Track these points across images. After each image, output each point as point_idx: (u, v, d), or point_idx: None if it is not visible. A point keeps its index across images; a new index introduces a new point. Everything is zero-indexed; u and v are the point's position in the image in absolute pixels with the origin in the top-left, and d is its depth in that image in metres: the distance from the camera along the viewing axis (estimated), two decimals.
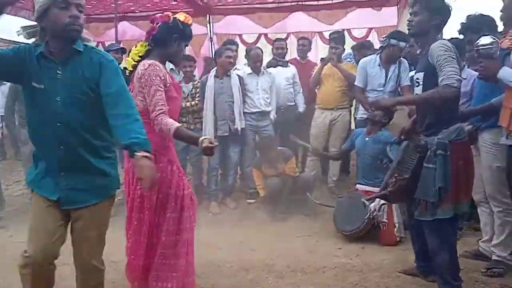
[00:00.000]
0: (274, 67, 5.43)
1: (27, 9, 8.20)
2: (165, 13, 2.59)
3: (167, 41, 2.54)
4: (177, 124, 2.39)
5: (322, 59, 5.14)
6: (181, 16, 2.56)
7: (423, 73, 2.65)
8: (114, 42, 5.93)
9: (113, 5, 6.39)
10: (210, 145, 2.32)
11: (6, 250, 3.76)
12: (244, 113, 5.04)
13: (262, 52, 5.34)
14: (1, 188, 5.05)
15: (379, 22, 7.32)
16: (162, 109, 2.38)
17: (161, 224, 2.51)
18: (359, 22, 7.44)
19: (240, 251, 3.68)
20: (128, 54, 2.70)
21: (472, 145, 3.01)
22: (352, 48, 5.69)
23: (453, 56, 2.46)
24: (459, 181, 2.51)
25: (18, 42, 11.43)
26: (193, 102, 4.93)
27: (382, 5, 7.27)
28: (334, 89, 5.10)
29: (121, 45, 5.69)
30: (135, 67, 2.54)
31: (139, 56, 2.55)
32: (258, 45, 7.49)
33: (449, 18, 2.67)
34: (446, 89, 2.41)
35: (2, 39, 12.51)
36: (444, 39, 2.63)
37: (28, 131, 2.11)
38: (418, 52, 4.86)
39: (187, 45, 2.81)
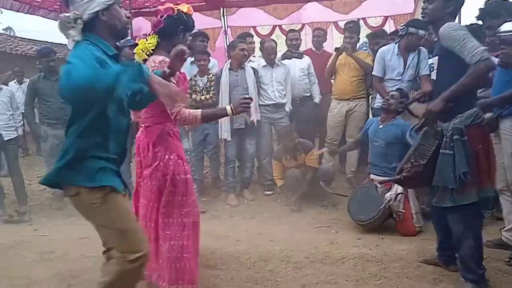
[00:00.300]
0: (289, 58, 5.40)
1: (44, 8, 8.34)
2: (168, 5, 2.61)
3: (173, 33, 2.59)
4: (199, 111, 2.55)
5: (336, 49, 5.09)
6: (184, 8, 2.61)
7: (437, 57, 2.64)
8: (129, 38, 5.96)
9: (128, 1, 6.42)
10: (241, 102, 2.53)
11: (32, 244, 3.84)
12: (259, 105, 5.04)
13: (276, 44, 5.32)
14: (24, 184, 5.17)
15: (395, 9, 7.21)
16: (182, 105, 2.49)
17: (162, 207, 2.57)
18: (374, 10, 7.34)
19: (259, 242, 3.69)
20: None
21: (492, 133, 2.96)
22: (366, 37, 5.62)
23: (466, 32, 2.43)
24: (481, 165, 2.48)
25: (39, 41, 11.67)
26: (207, 96, 4.95)
27: None
28: (349, 79, 5.05)
29: (136, 41, 5.72)
30: (145, 60, 2.58)
31: (152, 49, 2.59)
32: (272, 36, 7.49)
33: (462, 4, 2.66)
34: (479, 65, 2.36)
35: (22, 38, 12.77)
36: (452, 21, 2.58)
37: (101, 126, 1.94)
38: (435, 39, 4.80)
39: (191, 36, 2.83)
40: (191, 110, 2.53)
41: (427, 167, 2.56)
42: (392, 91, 4.17)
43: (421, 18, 4.75)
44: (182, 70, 2.58)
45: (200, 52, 5.05)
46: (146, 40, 2.60)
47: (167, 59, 2.45)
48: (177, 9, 2.58)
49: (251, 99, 2.64)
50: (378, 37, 5.32)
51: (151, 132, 2.59)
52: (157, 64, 2.46)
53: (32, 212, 4.96)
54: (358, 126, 5.05)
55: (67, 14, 1.86)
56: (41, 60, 5.17)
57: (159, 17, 2.59)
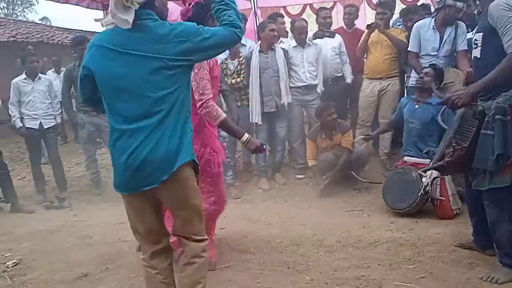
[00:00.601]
0: (321, 38, 5.27)
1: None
2: None
3: (203, 20, 2.52)
4: (224, 115, 2.54)
5: (368, 26, 4.92)
6: None
7: (481, 33, 2.48)
8: None
9: None
10: (257, 145, 2.58)
11: (71, 229, 4.01)
12: (290, 87, 4.97)
13: (307, 23, 5.20)
14: (64, 170, 5.36)
15: None
16: (210, 95, 2.51)
17: None
18: None
19: (290, 226, 3.69)
20: None
21: None
22: (400, 13, 5.40)
23: None
24: None
25: (74, 30, 11.90)
26: (238, 79, 4.91)
27: None
28: (382, 57, 4.87)
29: None
30: None
31: None
32: (303, 16, 7.33)
33: None
34: None
35: (58, 27, 13.11)
36: None
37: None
38: (475, 12, 4.55)
39: None
40: (219, 109, 2.55)
41: (469, 150, 2.46)
42: (426, 67, 4.01)
43: None
44: None
45: None
46: None
47: None
48: None
49: (265, 149, 2.68)
50: (411, 12, 5.09)
51: None
52: None
53: (72, 198, 5.15)
54: (391, 106, 4.87)
55: None
56: (76, 49, 5.25)
57: (187, 4, 2.56)
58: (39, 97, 5.19)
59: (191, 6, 2.54)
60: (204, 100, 2.50)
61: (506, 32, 2.26)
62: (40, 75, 5.31)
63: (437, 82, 3.81)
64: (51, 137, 5.28)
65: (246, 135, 2.62)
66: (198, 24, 2.45)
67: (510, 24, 2.25)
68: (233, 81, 4.90)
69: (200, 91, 2.49)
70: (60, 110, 5.61)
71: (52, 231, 3.91)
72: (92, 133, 5.26)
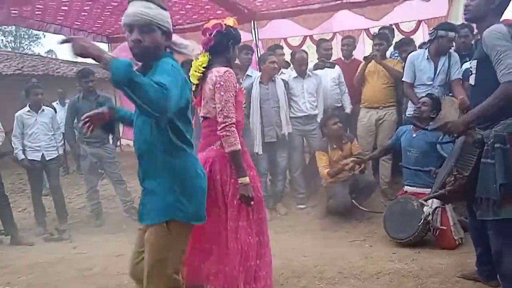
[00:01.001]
0: (322, 69, 5.36)
1: (83, 30, 8.71)
2: (214, 21, 2.64)
3: (225, 48, 2.63)
4: (239, 147, 2.52)
5: (365, 58, 5.01)
6: (230, 22, 2.65)
7: (476, 61, 2.51)
8: None
9: None
10: (249, 195, 2.51)
11: (71, 261, 3.97)
12: (290, 117, 5.02)
13: (307, 54, 5.30)
14: (64, 202, 5.36)
15: (428, 13, 7.01)
16: (234, 120, 2.50)
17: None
18: (407, 15, 7.16)
19: (292, 257, 3.65)
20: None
21: None
22: (394, 46, 5.50)
23: (509, 44, 2.28)
24: None
25: (79, 62, 12.08)
26: None
27: None
28: (379, 86, 4.96)
29: None
30: (201, 78, 2.63)
31: (203, 67, 2.63)
32: (303, 47, 7.47)
33: (509, 2, 2.49)
34: (508, 87, 2.25)
35: (64, 60, 13.36)
36: (500, 24, 2.41)
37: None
38: (473, 42, 4.64)
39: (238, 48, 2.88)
40: (238, 137, 2.52)
41: (471, 178, 2.43)
42: (423, 97, 4.05)
43: (453, 22, 4.67)
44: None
45: (244, 64, 5.23)
46: (197, 60, 2.64)
47: (231, 70, 2.54)
48: (225, 24, 2.62)
49: (251, 204, 2.58)
50: (405, 44, 5.22)
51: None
52: (221, 75, 2.49)
53: (72, 230, 5.12)
54: (388, 135, 4.92)
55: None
56: (81, 81, 5.35)
57: (208, 35, 2.61)
58: (42, 129, 5.24)
59: (212, 35, 2.60)
60: (227, 123, 2.48)
61: (500, 61, 2.28)
62: (43, 107, 5.37)
63: (434, 111, 3.84)
64: (53, 168, 5.31)
65: (247, 179, 2.54)
66: (221, 52, 2.59)
67: (503, 53, 2.27)
68: None
69: (225, 113, 2.48)
70: (63, 142, 5.65)
71: (52, 264, 3.87)
72: (95, 164, 5.30)
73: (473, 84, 2.56)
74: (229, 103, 2.49)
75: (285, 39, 7.88)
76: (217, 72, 2.51)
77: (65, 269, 3.72)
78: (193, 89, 2.64)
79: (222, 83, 2.48)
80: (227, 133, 2.48)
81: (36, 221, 5.25)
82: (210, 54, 2.63)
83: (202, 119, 2.68)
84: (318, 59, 5.60)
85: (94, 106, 5.21)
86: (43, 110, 5.33)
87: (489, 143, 2.35)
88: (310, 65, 5.37)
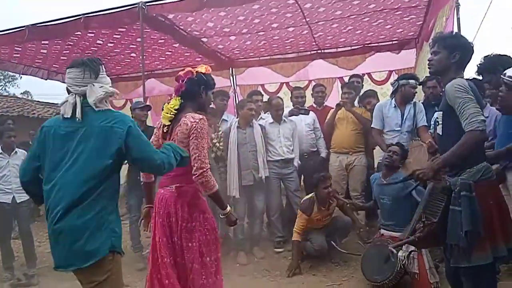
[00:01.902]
0: (296, 115, 5.51)
1: (61, 73, 8.74)
2: (187, 69, 2.79)
3: (196, 93, 2.78)
4: (217, 186, 2.70)
5: (337, 105, 5.23)
6: (202, 68, 2.81)
7: (442, 112, 2.62)
8: (140, 99, 6.17)
9: (141, 65, 6.70)
10: (235, 219, 2.84)
11: None
12: (268, 161, 5.08)
13: (283, 101, 5.46)
14: (34, 245, 5.17)
15: (398, 64, 7.39)
16: (209, 165, 2.64)
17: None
18: (378, 65, 7.53)
19: None
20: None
21: (500, 184, 2.92)
22: (359, 99, 5.68)
23: (470, 96, 2.39)
24: (493, 223, 2.38)
25: (55, 104, 12.00)
26: (218, 153, 5.01)
27: (401, 48, 7.36)
28: (348, 132, 5.14)
29: (148, 102, 5.92)
30: (172, 120, 2.73)
31: (175, 110, 2.74)
32: (280, 93, 7.69)
33: (470, 55, 2.61)
34: (472, 135, 2.33)
35: (39, 102, 13.27)
36: (461, 77, 2.55)
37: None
38: (441, 92, 4.89)
39: (213, 93, 3.00)
40: (214, 180, 2.68)
41: (440, 224, 2.46)
42: (393, 145, 4.22)
43: (420, 73, 4.95)
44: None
45: (219, 109, 5.40)
46: (168, 103, 2.76)
47: (205, 118, 2.69)
48: (196, 71, 2.77)
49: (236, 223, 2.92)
50: (369, 97, 5.49)
51: (184, 192, 2.70)
52: (197, 121, 2.62)
53: (41, 275, 4.91)
54: (360, 180, 5.12)
55: None
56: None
57: (180, 81, 2.76)
58: (14, 172, 5.11)
59: (184, 82, 2.74)
60: (204, 169, 2.60)
61: (463, 112, 2.37)
62: (16, 149, 5.28)
63: (402, 160, 4.05)
64: (23, 211, 5.14)
65: (229, 208, 2.76)
66: (192, 97, 2.75)
67: (465, 105, 2.37)
68: (212, 154, 4.97)
69: (202, 159, 2.59)
70: None
71: None
72: None
73: (440, 134, 2.66)
74: (204, 150, 2.63)
75: (262, 85, 8.11)
76: (192, 118, 2.64)
77: None
78: (164, 130, 2.75)
79: (198, 130, 2.61)
80: (206, 178, 2.62)
81: (3, 266, 5.02)
82: (182, 98, 2.76)
83: None
84: (293, 105, 5.76)
85: None
86: (15, 152, 5.23)
87: (455, 190, 2.40)
88: (286, 111, 5.51)
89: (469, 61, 2.63)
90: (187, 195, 2.70)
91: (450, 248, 2.49)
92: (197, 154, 2.59)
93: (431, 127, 2.99)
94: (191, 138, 2.60)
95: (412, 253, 3.62)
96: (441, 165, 2.48)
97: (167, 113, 2.72)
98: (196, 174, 2.60)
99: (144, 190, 3.05)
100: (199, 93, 2.77)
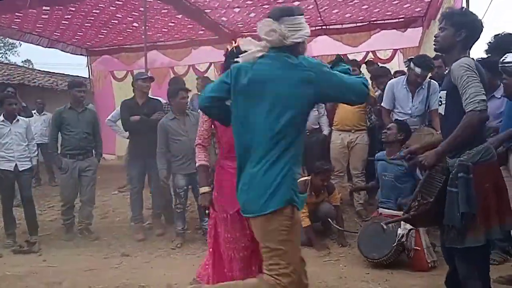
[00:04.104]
0: None
1: (62, 42, 8.65)
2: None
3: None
4: (202, 162, 2.81)
5: None
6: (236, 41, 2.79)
7: (445, 91, 2.57)
8: (142, 71, 6.13)
9: (143, 37, 6.63)
10: (206, 204, 2.74)
11: (40, 274, 3.86)
12: None
13: None
14: (36, 214, 5.22)
15: (403, 43, 7.31)
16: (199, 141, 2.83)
17: None
18: (383, 43, 7.47)
19: None
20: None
21: (502, 166, 2.92)
22: (370, 78, 5.62)
23: (474, 76, 2.34)
24: (489, 206, 2.37)
25: (56, 73, 12.00)
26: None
27: (407, 26, 7.27)
28: (352, 109, 5.00)
29: (149, 73, 5.88)
30: None
31: None
32: None
33: (479, 33, 2.53)
34: (472, 116, 2.29)
35: (40, 70, 13.17)
36: (468, 57, 2.49)
37: None
38: (445, 72, 4.81)
39: None
40: (201, 155, 2.81)
41: (436, 205, 2.45)
42: (391, 122, 4.18)
43: (426, 52, 4.82)
44: None
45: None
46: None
47: None
48: (234, 46, 2.73)
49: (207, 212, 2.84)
50: (381, 76, 5.34)
51: None
52: None
53: (42, 243, 4.96)
54: (361, 158, 5.09)
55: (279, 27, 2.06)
56: (72, 90, 5.25)
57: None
58: (16, 139, 5.11)
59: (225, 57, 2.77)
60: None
61: (465, 91, 2.33)
62: (18, 117, 5.26)
63: (401, 133, 3.99)
64: (25, 179, 5.16)
65: (208, 188, 2.75)
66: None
67: (469, 83, 2.32)
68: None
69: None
70: (37, 153, 5.53)
71: (20, 277, 3.76)
72: (77, 178, 5.14)
73: (443, 114, 2.62)
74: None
75: None
76: None
77: (34, 283, 3.62)
78: None
79: None
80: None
81: (5, 233, 5.08)
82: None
83: None
84: None
85: (81, 117, 5.17)
86: (17, 120, 5.22)
87: (453, 172, 2.39)
88: None
89: (476, 40, 2.57)
90: None
91: (446, 229, 2.49)
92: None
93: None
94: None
95: (411, 231, 3.65)
96: (444, 150, 2.46)
97: None
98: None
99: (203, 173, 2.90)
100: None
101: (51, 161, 5.31)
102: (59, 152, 5.24)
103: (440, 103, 2.64)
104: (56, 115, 5.25)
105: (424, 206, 2.50)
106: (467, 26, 2.49)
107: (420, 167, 2.58)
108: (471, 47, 2.60)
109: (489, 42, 3.49)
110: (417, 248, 3.68)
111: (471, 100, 2.29)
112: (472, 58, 2.51)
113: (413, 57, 4.55)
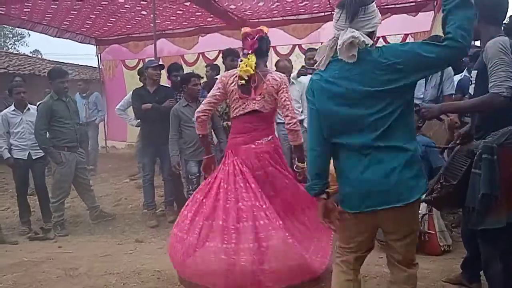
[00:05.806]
0: (305, 75, 5.45)
1: (71, 31, 8.66)
2: (257, 28, 2.96)
3: (266, 52, 2.99)
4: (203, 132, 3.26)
5: None
6: (265, 29, 2.96)
7: (476, 71, 2.50)
8: (153, 58, 6.13)
9: (152, 25, 6.62)
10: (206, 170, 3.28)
11: (56, 260, 3.92)
12: (277, 123, 5.04)
13: (291, 63, 5.38)
14: (50, 201, 5.27)
15: (414, 27, 7.21)
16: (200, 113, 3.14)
17: None
18: (394, 28, 7.35)
19: None
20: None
21: None
22: None
23: (507, 58, 2.26)
24: None
25: (65, 63, 12.02)
26: (229, 122, 4.97)
27: (418, 10, 7.16)
28: None
29: (160, 62, 5.88)
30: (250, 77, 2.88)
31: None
32: (292, 55, 7.58)
33: (498, 9, 2.44)
34: (494, 98, 2.24)
35: (49, 60, 13.22)
36: (504, 36, 2.37)
37: None
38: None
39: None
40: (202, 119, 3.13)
41: (459, 187, 2.43)
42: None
43: (440, 35, 4.68)
44: None
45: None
46: (249, 59, 2.85)
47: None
48: (265, 32, 2.95)
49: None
50: None
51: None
52: (283, 76, 2.95)
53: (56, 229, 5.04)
54: None
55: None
56: (55, 81, 4.96)
57: (250, 39, 2.88)
58: (28, 128, 5.17)
59: (256, 39, 2.87)
60: (296, 119, 2.92)
61: (494, 73, 2.26)
62: (29, 106, 5.30)
63: (420, 120, 3.94)
64: (38, 167, 5.24)
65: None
66: (262, 55, 2.95)
67: (499, 66, 2.25)
68: (224, 124, 4.96)
69: (294, 110, 2.94)
70: None
71: (36, 263, 3.81)
72: (75, 170, 5.03)
73: (472, 94, 2.55)
74: (292, 102, 2.96)
75: (274, 47, 7.96)
76: (277, 75, 2.95)
77: (50, 269, 3.67)
78: (240, 83, 2.88)
79: (287, 84, 2.93)
80: (298, 128, 2.93)
81: (20, 220, 5.17)
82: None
83: (243, 114, 2.97)
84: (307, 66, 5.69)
85: (70, 107, 5.04)
86: (28, 109, 5.27)
87: (477, 153, 2.36)
88: (294, 73, 5.46)
89: (503, 12, 2.48)
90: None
91: (468, 211, 2.46)
92: (290, 105, 2.87)
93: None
94: (281, 91, 2.88)
95: (425, 216, 3.65)
96: (448, 108, 2.43)
97: (250, 69, 2.83)
98: (291, 123, 2.87)
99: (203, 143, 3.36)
100: (267, 52, 3.00)
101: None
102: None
103: (471, 83, 2.57)
104: (46, 107, 4.88)
105: (447, 189, 2.48)
106: (479, 7, 2.32)
107: (422, 117, 2.55)
108: (502, 21, 2.50)
109: (506, 23, 3.41)
110: (430, 231, 3.68)
111: (499, 84, 2.22)
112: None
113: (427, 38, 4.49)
